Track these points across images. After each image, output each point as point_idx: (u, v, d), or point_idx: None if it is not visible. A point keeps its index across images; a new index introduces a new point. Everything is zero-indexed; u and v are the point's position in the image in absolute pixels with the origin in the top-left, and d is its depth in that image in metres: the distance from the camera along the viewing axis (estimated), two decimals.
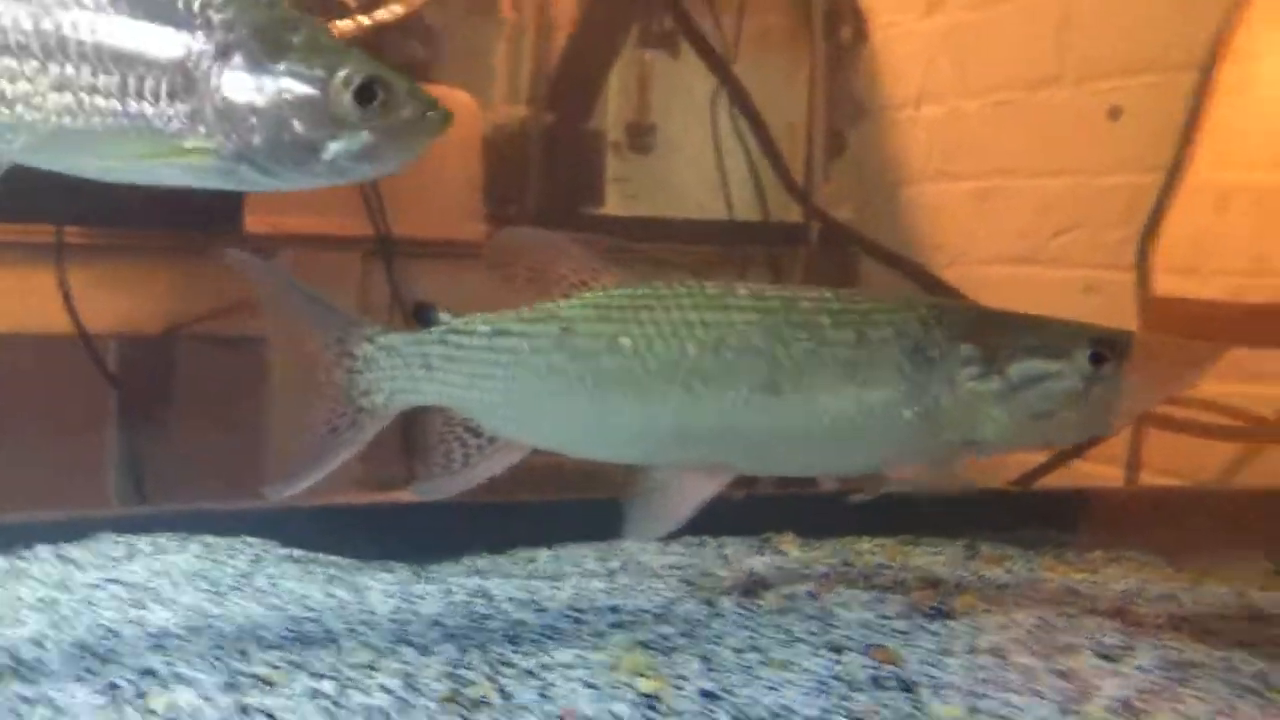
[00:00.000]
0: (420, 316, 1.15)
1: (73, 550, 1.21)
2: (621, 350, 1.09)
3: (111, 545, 1.23)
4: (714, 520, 1.38)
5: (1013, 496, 1.69)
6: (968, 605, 1.15)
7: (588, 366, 1.10)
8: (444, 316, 1.14)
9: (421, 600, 1.07)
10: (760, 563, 1.32)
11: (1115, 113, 2.37)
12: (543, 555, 1.34)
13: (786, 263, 2.76)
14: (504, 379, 1.12)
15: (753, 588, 1.18)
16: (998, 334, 1.13)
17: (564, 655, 0.94)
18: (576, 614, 1.04)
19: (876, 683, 0.95)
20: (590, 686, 0.87)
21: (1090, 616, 1.14)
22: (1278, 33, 2.07)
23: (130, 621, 0.99)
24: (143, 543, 1.24)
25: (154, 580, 1.12)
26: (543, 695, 0.86)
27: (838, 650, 0.99)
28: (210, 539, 1.26)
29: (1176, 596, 1.28)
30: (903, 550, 1.44)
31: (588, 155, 2.78)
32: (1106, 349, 1.12)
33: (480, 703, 0.84)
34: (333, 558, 1.26)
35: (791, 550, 1.41)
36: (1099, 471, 2.05)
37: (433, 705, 0.83)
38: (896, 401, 1.11)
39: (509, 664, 0.91)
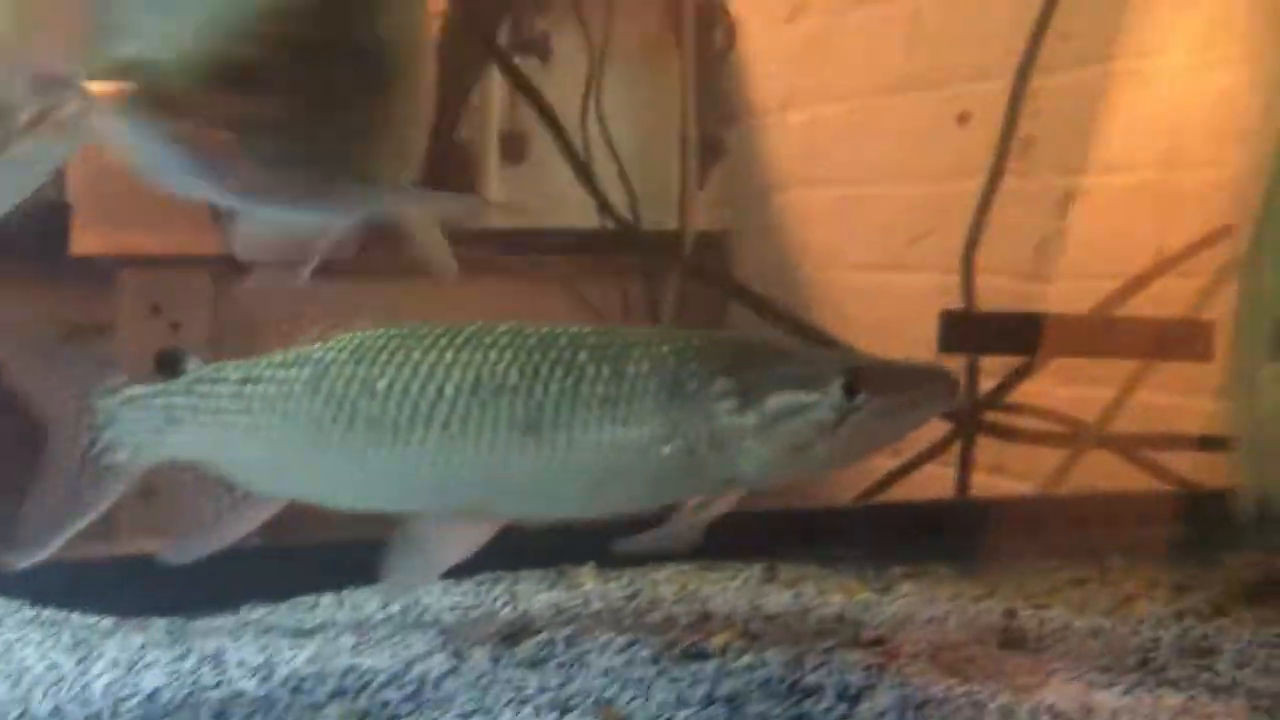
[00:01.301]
0: (164, 365, 1.12)
1: None
2: (376, 394, 1.08)
3: None
4: (513, 553, 1.38)
5: (833, 513, 1.69)
6: (726, 642, 1.15)
7: (341, 412, 1.08)
8: (193, 364, 1.12)
9: (147, 670, 1.04)
10: (542, 601, 1.31)
11: (964, 118, 2.38)
12: (325, 601, 1.32)
13: (660, 271, 2.76)
14: (253, 429, 1.10)
15: (514, 634, 1.17)
16: (753, 366, 1.13)
17: None
18: (300, 681, 1.02)
19: None
20: None
21: (848, 650, 1.14)
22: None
23: None
24: None
25: None
26: None
27: (566, 710, 0.98)
28: None
29: (947, 619, 1.29)
30: (698, 576, 1.44)
31: (460, 165, 2.76)
32: (860, 379, 1.13)
33: None
34: (89, 618, 1.23)
35: (587, 583, 1.40)
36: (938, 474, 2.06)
37: None
38: (655, 438, 1.10)
39: None
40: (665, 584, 1.40)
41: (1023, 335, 1.73)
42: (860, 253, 2.60)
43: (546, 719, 0.96)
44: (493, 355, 1.08)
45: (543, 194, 2.73)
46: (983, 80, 2.27)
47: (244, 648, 1.10)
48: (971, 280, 1.99)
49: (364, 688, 1.00)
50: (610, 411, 1.08)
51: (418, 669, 1.05)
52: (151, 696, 1.00)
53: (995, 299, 2.12)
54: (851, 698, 1.04)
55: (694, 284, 2.74)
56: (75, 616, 1.24)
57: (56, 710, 0.97)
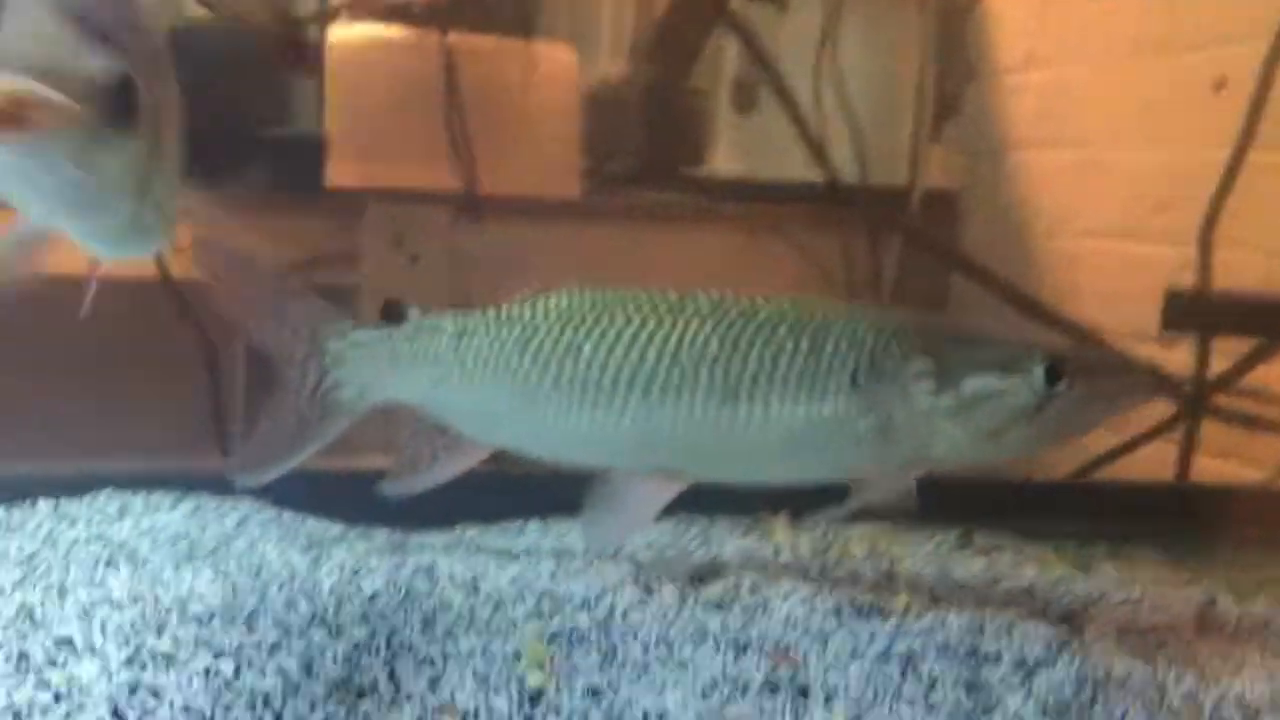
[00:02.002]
0: (389, 315, 1.20)
1: (71, 506, 1.30)
2: (580, 357, 1.13)
3: (108, 501, 1.31)
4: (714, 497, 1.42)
5: (1040, 486, 1.66)
6: (908, 603, 1.16)
7: (546, 372, 1.13)
8: (414, 314, 1.19)
9: (369, 575, 1.12)
10: (733, 547, 1.34)
11: (1221, 84, 2.27)
12: (531, 527, 1.39)
13: (886, 228, 2.73)
14: (466, 380, 1.16)
15: (703, 575, 1.21)
16: (952, 348, 1.13)
17: (469, 643, 0.98)
18: (502, 598, 1.08)
19: (769, 686, 0.97)
20: (480, 679, 0.92)
21: (1033, 621, 1.14)
22: None
23: (92, 584, 1.08)
24: (138, 500, 1.32)
25: (137, 539, 1.20)
26: (431, 686, 0.91)
27: (742, 650, 1.02)
28: (204, 498, 1.33)
29: (1143, 601, 1.27)
30: (890, 537, 1.45)
31: (689, 113, 2.79)
32: (1061, 366, 1.12)
33: (368, 690, 0.89)
34: (323, 523, 1.32)
35: (776, 534, 1.42)
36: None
37: (320, 691, 0.88)
38: (849, 414, 1.12)
39: (412, 650, 0.97)
40: (857, 542, 1.41)
41: (1252, 317, 1.66)
42: (1094, 219, 2.51)
43: (725, 657, 1.00)
44: (694, 325, 1.12)
45: (771, 144, 2.74)
46: (1243, 43, 2.17)
47: (455, 563, 1.17)
48: (1208, 256, 1.91)
49: (558, 610, 1.06)
50: (806, 387, 1.11)
51: (609, 599, 1.10)
52: (371, 598, 1.08)
53: (1241, 276, 2.04)
54: (1029, 668, 1.04)
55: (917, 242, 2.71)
56: (311, 521, 1.33)
57: (289, 602, 1.06)
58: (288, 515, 1.35)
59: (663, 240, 2.60)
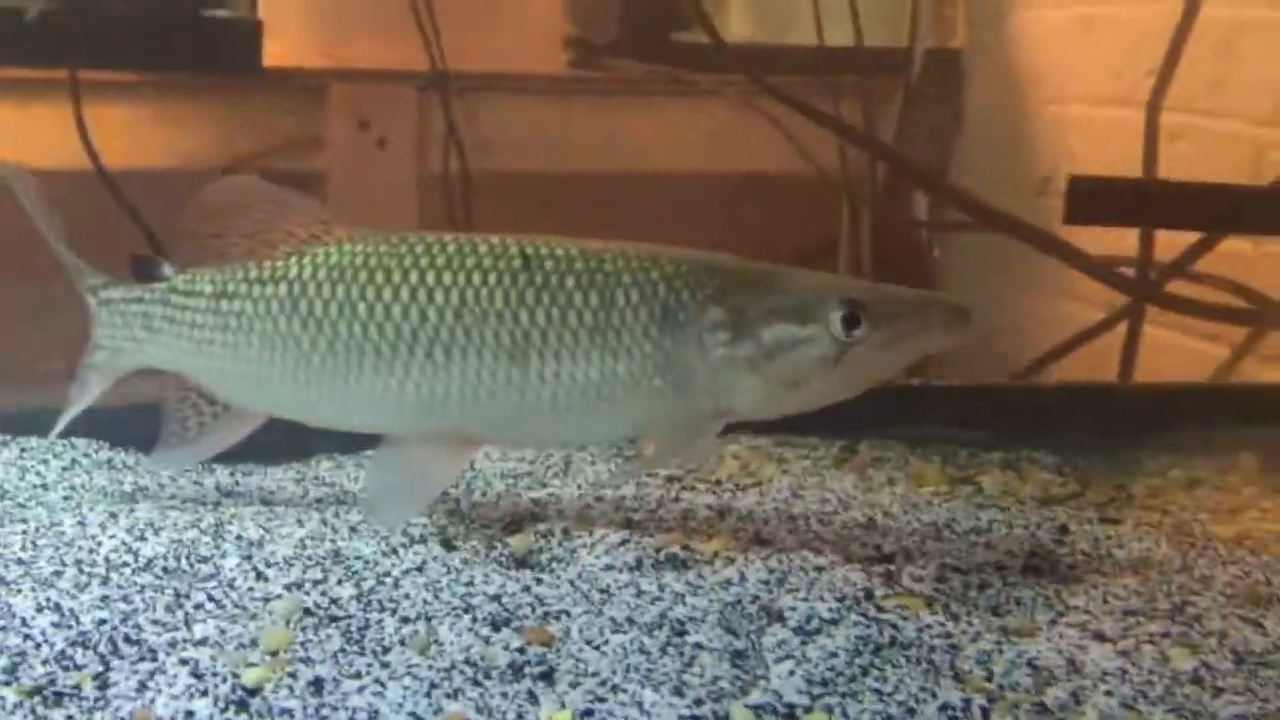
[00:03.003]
0: (140, 271, 1.14)
1: None
2: (358, 315, 1.07)
3: None
4: None
5: (941, 391, 1.58)
6: (711, 551, 1.11)
7: (321, 333, 1.07)
8: (167, 271, 1.13)
9: (154, 536, 1.12)
10: (593, 471, 1.31)
11: None
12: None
13: (882, 91, 2.59)
14: (231, 345, 1.10)
15: (522, 521, 1.18)
16: (748, 295, 1.07)
17: (206, 629, 0.96)
18: (271, 563, 1.06)
19: (511, 670, 0.91)
20: (195, 675, 0.86)
21: (843, 566, 1.08)
22: None
23: None
24: None
25: None
26: (139, 688, 0.89)
27: (500, 625, 0.97)
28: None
29: (990, 530, 1.21)
30: (763, 453, 1.40)
31: None
32: (858, 310, 1.05)
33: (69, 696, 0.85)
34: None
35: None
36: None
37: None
38: (645, 369, 1.06)
39: (139, 642, 0.96)
40: (730, 460, 1.38)
41: (1161, 206, 1.52)
42: (1092, 84, 2.36)
43: (477, 635, 0.94)
44: (476, 278, 1.05)
45: (760, 7, 2.61)
46: None
47: (251, 519, 1.16)
48: (1153, 126, 1.75)
49: (324, 579, 1.03)
50: (599, 340, 1.05)
51: (392, 561, 1.07)
52: (146, 564, 1.06)
53: (1231, 147, 1.90)
54: (811, 631, 0.99)
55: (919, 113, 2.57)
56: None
57: (55, 572, 1.04)
58: (121, 458, 1.34)
59: (651, 116, 2.50)
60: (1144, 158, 1.75)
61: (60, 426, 1.17)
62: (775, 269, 1.10)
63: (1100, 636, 1.01)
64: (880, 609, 1.02)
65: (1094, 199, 1.48)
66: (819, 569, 1.08)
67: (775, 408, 1.10)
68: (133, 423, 1.27)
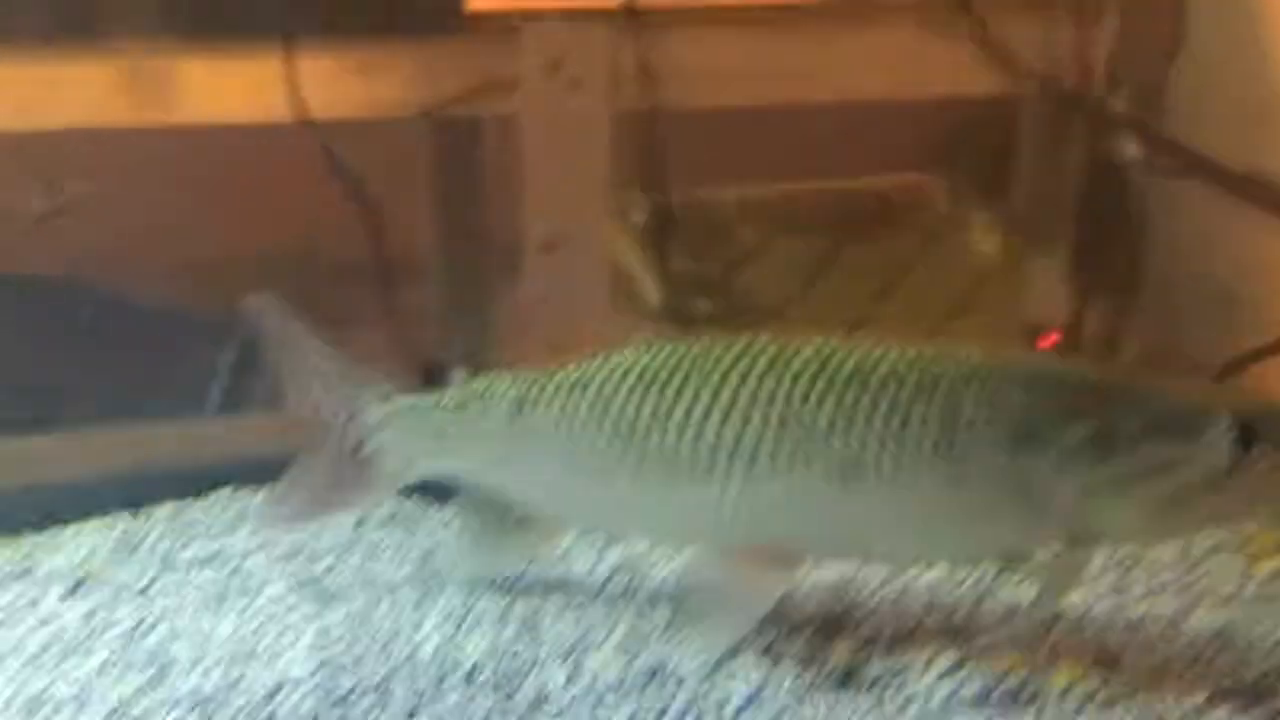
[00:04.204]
0: (432, 378, 1.06)
1: None
2: (670, 427, 0.98)
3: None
4: None
5: None
6: (1063, 683, 1.00)
7: (631, 444, 0.98)
8: (457, 376, 1.05)
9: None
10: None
11: None
12: None
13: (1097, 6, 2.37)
14: (531, 455, 1.03)
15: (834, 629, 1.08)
16: (1117, 407, 0.93)
17: None
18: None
19: None
20: None
21: None
22: None
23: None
24: None
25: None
26: None
27: None
28: None
29: None
30: None
31: None
32: (1253, 427, 0.91)
33: None
34: None
35: None
36: None
37: None
38: (995, 490, 0.94)
39: None
40: None
41: None
42: None
43: None
44: (801, 387, 0.95)
45: None
46: None
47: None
48: None
49: None
50: (940, 461, 0.93)
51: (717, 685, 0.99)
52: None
53: None
54: None
55: None
56: None
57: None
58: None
59: (850, 42, 2.32)
60: None
61: (307, 522, 1.13)
62: (1147, 378, 0.97)
63: None
64: None
65: None
66: (1189, 715, 0.96)
67: (1153, 533, 0.99)
68: None
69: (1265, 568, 1.19)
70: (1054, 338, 2.30)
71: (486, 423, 1.04)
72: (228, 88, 1.92)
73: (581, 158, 2.17)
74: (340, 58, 2.02)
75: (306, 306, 1.95)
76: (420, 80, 2.13)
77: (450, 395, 1.06)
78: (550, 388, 1.02)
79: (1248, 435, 0.91)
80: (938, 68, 2.22)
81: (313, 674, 0.99)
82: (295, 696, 0.98)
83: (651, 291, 2.25)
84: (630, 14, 2.14)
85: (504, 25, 2.13)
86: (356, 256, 1.94)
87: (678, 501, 0.99)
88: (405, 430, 1.07)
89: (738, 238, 2.42)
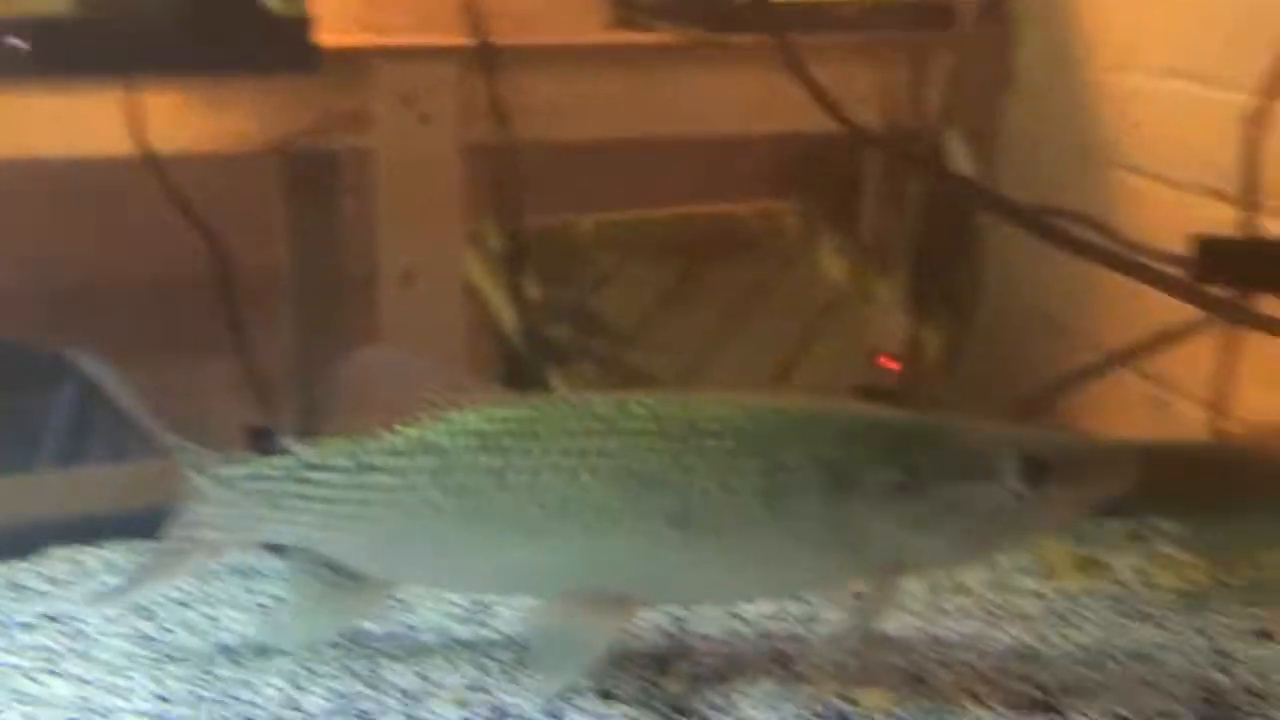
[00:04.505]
0: (257, 443, 1.06)
1: None
2: (510, 486, 1.00)
3: None
4: None
5: None
6: (878, 704, 1.06)
7: (473, 504, 1.01)
8: (287, 444, 1.05)
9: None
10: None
11: None
12: None
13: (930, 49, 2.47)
14: (373, 519, 1.03)
15: (670, 659, 1.13)
16: (920, 449, 1.00)
17: None
18: None
19: None
20: None
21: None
22: None
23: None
24: None
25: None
26: None
27: None
28: None
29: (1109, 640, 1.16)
30: None
31: None
32: (1038, 463, 0.99)
33: None
34: None
35: None
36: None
37: None
38: (816, 531, 1.00)
39: None
40: None
41: None
42: (1162, 56, 2.24)
43: None
44: (634, 442, 0.99)
45: None
46: None
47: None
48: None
49: None
50: (767, 505, 0.98)
51: None
52: None
53: None
54: None
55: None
56: None
57: None
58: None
59: (693, 79, 2.38)
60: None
61: (128, 598, 1.11)
62: (946, 421, 1.04)
63: None
64: None
65: (1228, 261, 1.40)
66: None
67: (950, 561, 1.06)
68: None
69: (1064, 587, 1.27)
70: (893, 363, 2.39)
71: (322, 488, 1.04)
72: (70, 121, 1.90)
73: (435, 189, 2.19)
74: (188, 93, 2.02)
75: (152, 341, 1.94)
76: (271, 115, 2.13)
77: (282, 462, 1.05)
78: (389, 451, 1.02)
79: (1037, 470, 0.98)
80: (781, 105, 2.30)
81: None
82: None
83: (509, 319, 2.27)
84: (483, 51, 2.18)
85: (357, 61, 2.15)
86: (204, 290, 1.93)
87: (518, 558, 1.02)
88: (231, 498, 1.06)
89: (594, 263, 2.46)
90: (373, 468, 1.02)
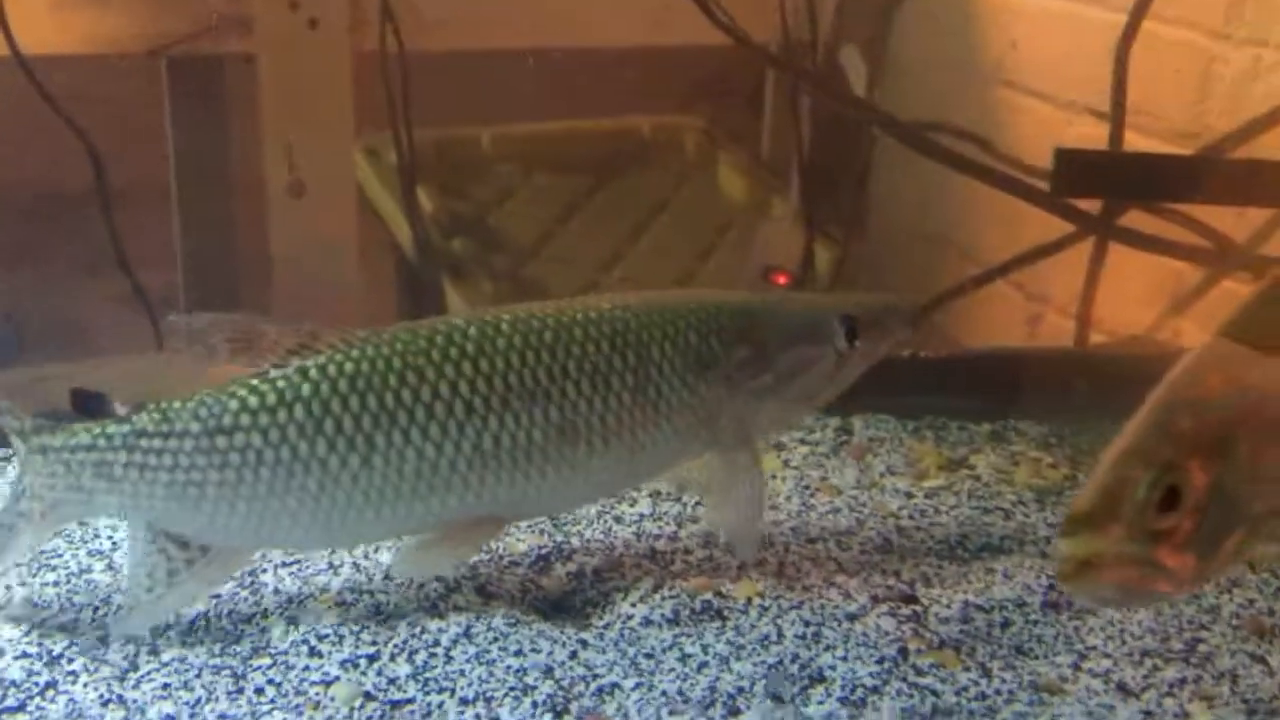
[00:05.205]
0: (84, 408, 0.96)
1: None
2: (379, 422, 0.97)
3: None
4: None
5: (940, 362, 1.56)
6: (745, 595, 1.10)
7: (358, 452, 0.96)
8: (118, 409, 0.96)
9: None
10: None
11: None
12: None
13: None
14: (228, 482, 0.95)
15: (551, 556, 1.15)
16: (766, 328, 1.09)
17: None
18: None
19: None
20: None
21: (872, 612, 1.08)
22: None
23: None
24: None
25: None
26: None
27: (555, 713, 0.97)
28: None
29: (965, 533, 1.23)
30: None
31: None
32: (855, 325, 1.11)
33: None
34: None
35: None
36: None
37: None
38: (682, 418, 1.06)
39: None
40: None
41: (1149, 181, 1.49)
42: None
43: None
44: (508, 361, 1.00)
45: None
46: None
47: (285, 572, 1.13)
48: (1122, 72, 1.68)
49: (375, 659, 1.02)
50: (640, 404, 1.03)
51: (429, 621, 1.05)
52: None
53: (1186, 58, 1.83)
54: (855, 702, 0.99)
55: None
56: None
57: None
58: None
59: None
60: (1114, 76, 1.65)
61: None
62: (780, 298, 1.18)
63: (1124, 689, 1.03)
64: (918, 671, 1.02)
65: (1085, 172, 1.45)
66: (851, 617, 1.08)
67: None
68: None
69: (928, 485, 1.32)
70: (785, 277, 2.42)
71: (165, 456, 0.95)
72: None
73: (325, 99, 2.15)
74: None
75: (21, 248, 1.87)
76: (149, 17, 2.07)
77: (117, 429, 0.96)
78: (247, 409, 0.96)
79: (852, 329, 1.10)
80: (681, 18, 2.29)
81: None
82: None
83: (405, 234, 2.25)
84: None
85: None
86: (80, 195, 1.88)
87: (407, 497, 0.98)
88: (56, 470, 0.96)
89: (494, 176, 2.44)
90: (227, 428, 0.96)
